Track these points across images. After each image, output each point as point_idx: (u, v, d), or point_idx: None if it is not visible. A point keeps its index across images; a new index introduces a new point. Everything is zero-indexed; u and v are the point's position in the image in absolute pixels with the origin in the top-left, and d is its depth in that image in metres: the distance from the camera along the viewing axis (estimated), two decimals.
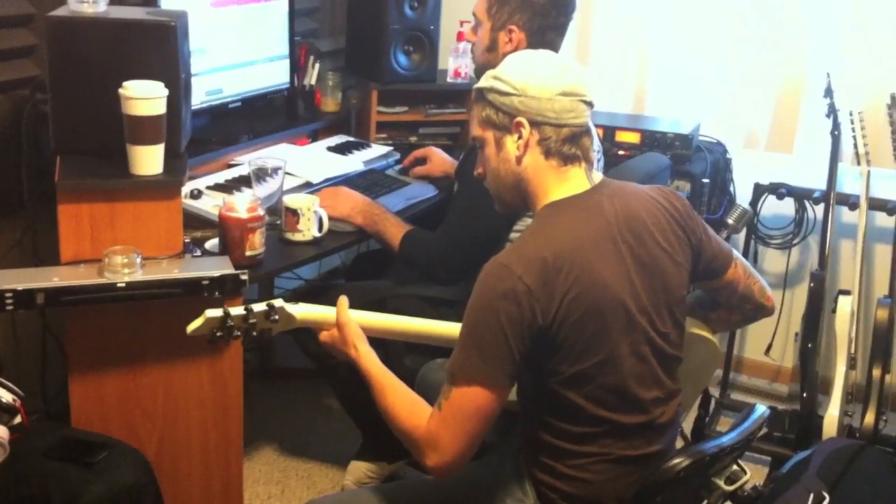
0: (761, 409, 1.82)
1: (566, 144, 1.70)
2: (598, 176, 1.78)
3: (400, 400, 1.71)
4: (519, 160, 1.72)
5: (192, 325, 1.74)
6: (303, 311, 1.82)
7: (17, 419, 1.94)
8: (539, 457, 1.75)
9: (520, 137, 1.71)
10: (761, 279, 1.98)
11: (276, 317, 1.78)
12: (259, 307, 1.77)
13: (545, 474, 1.74)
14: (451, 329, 1.87)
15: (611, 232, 1.69)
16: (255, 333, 1.78)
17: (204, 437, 2.29)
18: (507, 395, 1.64)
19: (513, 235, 2.41)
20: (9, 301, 1.93)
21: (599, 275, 1.64)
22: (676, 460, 1.65)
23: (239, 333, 1.76)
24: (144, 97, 2.03)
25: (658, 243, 1.74)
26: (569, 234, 1.66)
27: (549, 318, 1.60)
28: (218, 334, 1.75)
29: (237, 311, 1.75)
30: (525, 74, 1.69)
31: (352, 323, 1.81)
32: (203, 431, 2.28)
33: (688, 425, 2.97)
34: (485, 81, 1.74)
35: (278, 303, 1.79)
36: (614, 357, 1.67)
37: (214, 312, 1.73)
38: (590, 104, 1.72)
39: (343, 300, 1.83)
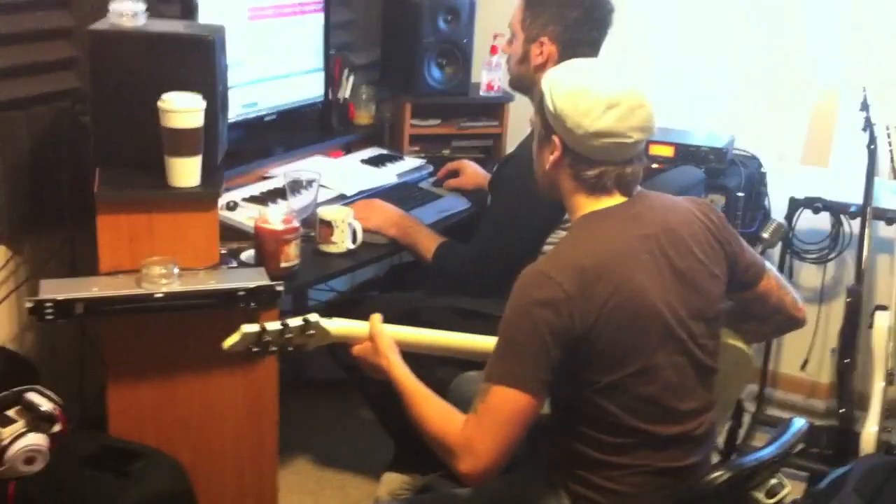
0: (800, 422, 1.81)
1: (595, 179, 1.70)
2: (636, 188, 1.78)
3: (432, 408, 1.70)
4: (552, 170, 1.73)
5: (229, 341, 1.74)
6: (338, 326, 1.82)
7: (57, 427, 1.97)
8: (573, 469, 1.74)
9: (552, 153, 1.71)
10: (793, 291, 1.97)
11: (312, 332, 1.78)
12: (295, 322, 1.76)
13: (580, 486, 1.73)
14: (485, 343, 1.86)
15: (648, 243, 1.69)
16: (290, 349, 1.78)
17: (239, 446, 2.30)
18: (544, 402, 1.63)
19: (546, 248, 2.41)
20: (49, 311, 1.96)
21: (638, 284, 1.64)
22: (716, 473, 1.64)
23: (275, 349, 1.76)
24: (183, 110, 2.05)
25: (695, 255, 1.74)
26: (607, 243, 1.66)
27: (587, 326, 1.60)
28: (254, 350, 1.74)
29: (273, 326, 1.74)
30: (570, 101, 1.66)
31: (384, 334, 1.80)
32: (238, 440, 2.30)
33: (720, 437, 2.95)
34: (544, 83, 1.73)
35: (314, 318, 1.79)
36: (651, 367, 1.66)
37: (251, 328, 1.73)
38: (637, 143, 1.69)
39: (376, 315, 1.83)
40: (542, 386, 1.60)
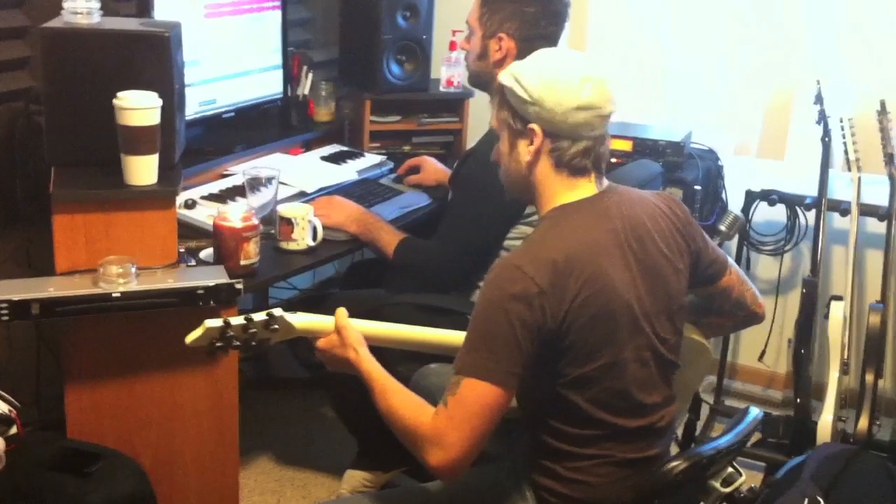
0: (755, 411, 1.84)
1: (578, 157, 1.71)
2: (604, 181, 1.79)
3: (402, 400, 1.69)
4: (529, 165, 1.74)
5: (191, 336, 1.73)
6: (302, 321, 1.81)
7: (13, 430, 1.94)
8: (540, 460, 1.75)
9: (531, 144, 1.72)
10: (754, 287, 2.00)
11: (276, 326, 1.77)
12: (259, 317, 1.76)
13: (546, 478, 1.75)
14: (449, 337, 1.87)
15: (617, 237, 1.71)
16: (254, 343, 1.77)
17: (200, 446, 2.29)
18: (513, 395, 1.64)
19: (507, 243, 2.42)
20: (4, 312, 1.93)
21: (609, 278, 1.66)
22: (674, 463, 1.66)
23: (238, 344, 1.75)
24: (139, 108, 2.04)
25: (660, 250, 1.76)
26: (579, 237, 1.68)
27: (558, 320, 1.61)
28: (217, 345, 1.73)
29: (237, 321, 1.74)
30: (544, 85, 1.68)
31: (352, 327, 1.79)
32: (199, 441, 2.28)
33: (679, 430, 2.98)
34: (506, 79, 1.74)
35: (278, 312, 1.78)
36: (619, 361, 1.68)
37: (214, 323, 1.72)
38: (608, 115, 1.72)
39: (342, 309, 1.82)
40: (512, 379, 1.61)
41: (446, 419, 1.60)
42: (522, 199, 1.85)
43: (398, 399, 1.69)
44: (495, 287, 1.63)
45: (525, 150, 1.73)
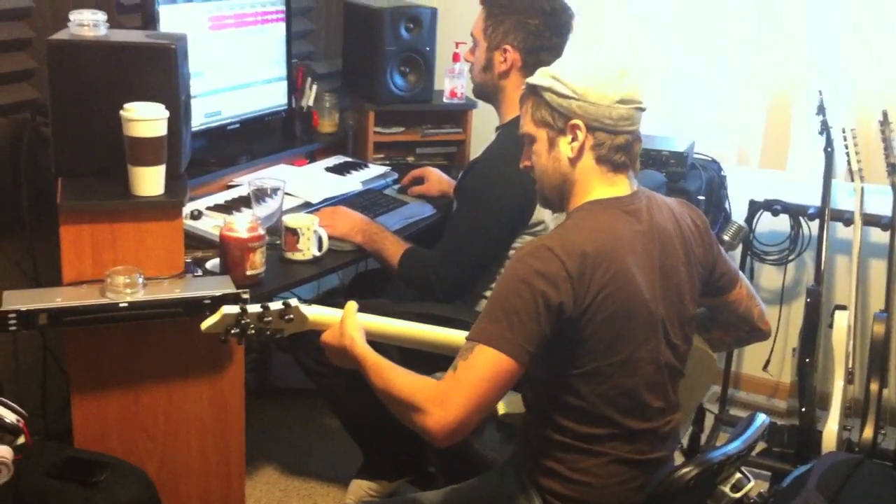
0: (762, 417, 1.84)
1: (618, 152, 1.73)
2: (636, 182, 1.80)
3: (399, 374, 1.66)
4: (571, 162, 1.74)
5: (207, 322, 1.74)
6: (315, 313, 1.81)
7: (21, 439, 1.94)
8: (544, 461, 1.76)
9: (574, 140, 1.73)
10: (762, 304, 2.01)
11: (291, 316, 1.77)
12: (275, 305, 1.77)
13: (550, 480, 1.75)
14: (456, 336, 1.87)
15: (643, 239, 1.72)
16: (268, 332, 1.77)
17: (205, 455, 2.29)
18: (523, 372, 1.62)
19: (512, 253, 2.43)
20: (12, 322, 1.94)
21: (633, 278, 1.67)
22: (686, 469, 1.66)
23: (253, 332, 1.75)
24: (145, 119, 2.05)
25: (680, 257, 1.78)
26: (610, 232, 1.69)
27: (580, 309, 1.62)
28: (233, 332, 1.74)
29: (253, 308, 1.75)
30: (586, 79, 1.70)
31: (352, 316, 1.77)
32: (204, 450, 2.29)
33: (684, 440, 2.98)
34: (542, 80, 1.75)
35: (294, 302, 1.79)
36: (633, 360, 1.69)
37: (231, 309, 1.73)
38: (643, 110, 1.75)
39: (352, 303, 1.80)
40: (526, 355, 1.60)
41: (453, 381, 1.59)
42: (551, 203, 1.84)
43: (395, 373, 1.66)
44: (524, 263, 1.63)
45: (567, 148, 1.74)
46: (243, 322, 1.74)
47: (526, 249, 1.66)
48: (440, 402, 1.57)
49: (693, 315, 1.82)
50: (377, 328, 1.84)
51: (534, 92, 1.76)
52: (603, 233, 1.68)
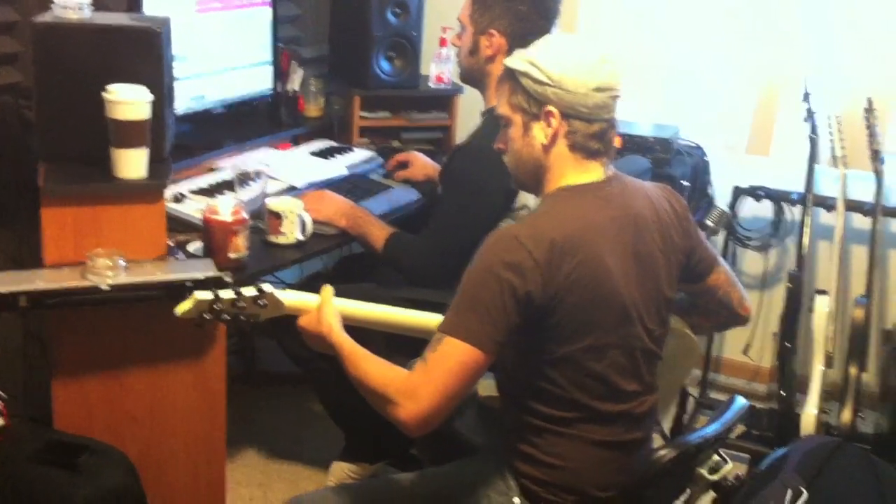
0: (741, 400, 1.86)
1: (593, 140, 1.73)
2: (611, 168, 1.80)
3: (374, 363, 1.69)
4: (545, 148, 1.75)
5: (181, 307, 1.73)
6: (291, 298, 1.81)
7: (0, 422, 1.95)
8: (519, 445, 1.77)
9: (548, 126, 1.73)
10: (743, 290, 2.01)
11: (265, 301, 1.76)
12: (249, 291, 1.76)
13: (526, 465, 1.77)
14: (433, 321, 1.88)
15: (616, 224, 1.73)
16: (242, 318, 1.76)
17: (187, 439, 2.30)
18: (490, 364, 1.64)
19: None
20: None
21: (604, 264, 1.67)
22: (663, 451, 1.68)
23: (227, 317, 1.75)
24: (129, 101, 2.04)
25: (656, 242, 1.78)
26: (580, 219, 1.69)
27: (548, 296, 1.63)
28: (206, 317, 1.74)
29: (226, 294, 1.74)
30: (563, 66, 1.70)
31: (329, 303, 1.78)
32: (186, 434, 2.29)
33: (667, 424, 3.00)
34: (519, 63, 1.74)
35: (268, 287, 1.77)
36: (602, 345, 1.70)
37: (204, 294, 1.72)
38: (619, 97, 1.74)
39: (328, 287, 1.81)
40: (494, 346, 1.62)
41: (423, 373, 1.62)
42: (526, 186, 1.85)
43: (369, 363, 1.69)
44: (491, 254, 1.65)
45: (541, 134, 1.74)
46: (216, 308, 1.73)
47: (494, 238, 1.67)
48: (411, 394, 1.60)
49: (670, 299, 1.82)
50: (354, 313, 1.85)
51: (511, 76, 1.76)
52: (573, 220, 1.69)
